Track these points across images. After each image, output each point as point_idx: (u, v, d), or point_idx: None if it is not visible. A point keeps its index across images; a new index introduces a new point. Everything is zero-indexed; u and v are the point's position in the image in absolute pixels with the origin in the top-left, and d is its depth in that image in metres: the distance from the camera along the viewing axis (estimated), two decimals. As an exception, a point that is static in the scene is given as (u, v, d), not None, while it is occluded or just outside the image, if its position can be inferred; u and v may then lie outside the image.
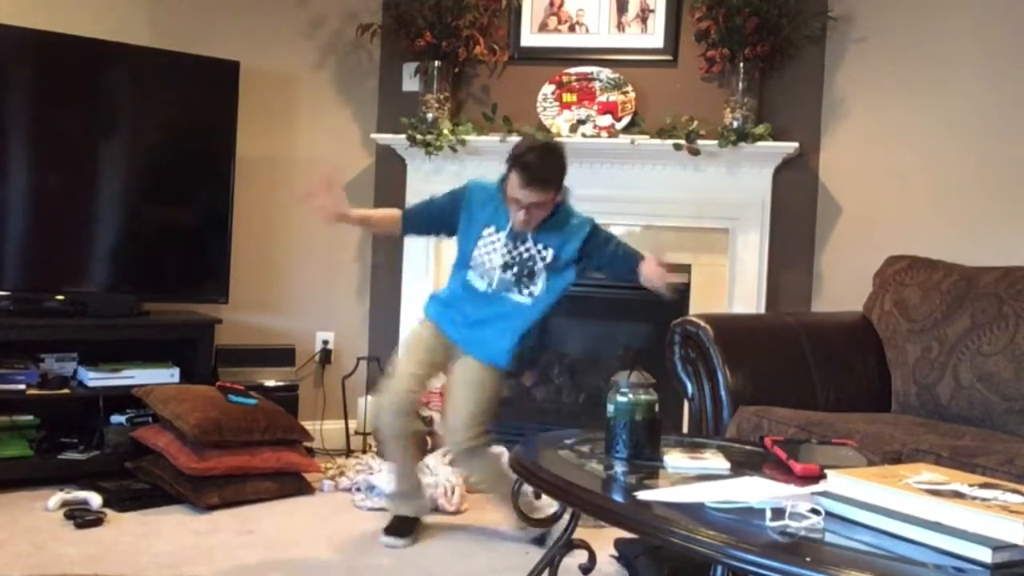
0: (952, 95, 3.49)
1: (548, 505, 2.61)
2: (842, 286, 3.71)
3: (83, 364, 3.45)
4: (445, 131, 3.92)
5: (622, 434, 1.98)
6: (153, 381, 3.44)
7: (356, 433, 4.08)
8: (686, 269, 3.91)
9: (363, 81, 4.25)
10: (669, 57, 3.93)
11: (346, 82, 4.22)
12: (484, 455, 2.89)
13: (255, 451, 3.24)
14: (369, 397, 4.12)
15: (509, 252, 2.80)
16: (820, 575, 1.30)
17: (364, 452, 3.94)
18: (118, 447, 3.36)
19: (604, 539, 2.59)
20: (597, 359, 4.22)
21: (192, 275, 3.75)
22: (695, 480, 1.83)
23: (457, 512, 3.21)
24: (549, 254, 2.82)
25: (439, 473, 3.35)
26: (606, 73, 3.92)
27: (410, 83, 4.15)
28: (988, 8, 3.40)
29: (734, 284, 3.81)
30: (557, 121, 3.91)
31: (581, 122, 3.88)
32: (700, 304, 3.79)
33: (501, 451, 3.28)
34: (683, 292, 3.90)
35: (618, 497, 1.77)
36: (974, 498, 1.45)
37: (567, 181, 2.78)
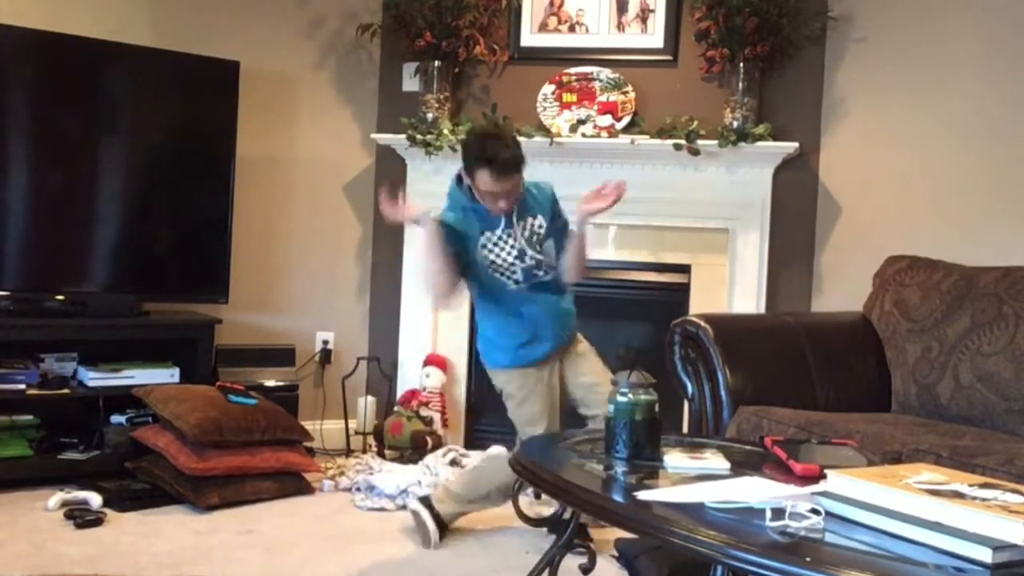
0: (952, 95, 3.49)
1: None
2: (842, 286, 3.71)
3: (83, 364, 3.45)
4: (445, 131, 3.92)
5: (622, 434, 1.98)
6: (153, 381, 3.44)
7: (356, 433, 4.08)
8: (686, 269, 3.91)
9: (363, 81, 4.25)
10: (669, 57, 3.93)
11: (346, 82, 4.22)
12: None
13: (255, 451, 3.24)
14: (369, 397, 4.12)
15: (513, 242, 2.78)
16: (820, 575, 1.30)
17: (364, 452, 3.94)
18: (118, 447, 3.36)
19: (604, 539, 2.59)
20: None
21: (192, 275, 3.75)
22: (695, 480, 1.83)
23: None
24: (540, 220, 2.81)
25: (439, 473, 3.35)
26: (606, 73, 3.92)
27: (410, 83, 4.15)
28: (988, 8, 3.40)
29: (734, 284, 3.81)
30: (557, 121, 3.91)
31: (581, 122, 3.88)
32: (700, 304, 3.79)
33: (501, 451, 3.28)
34: (684, 292, 3.91)
35: (618, 497, 1.77)
36: (974, 498, 1.45)
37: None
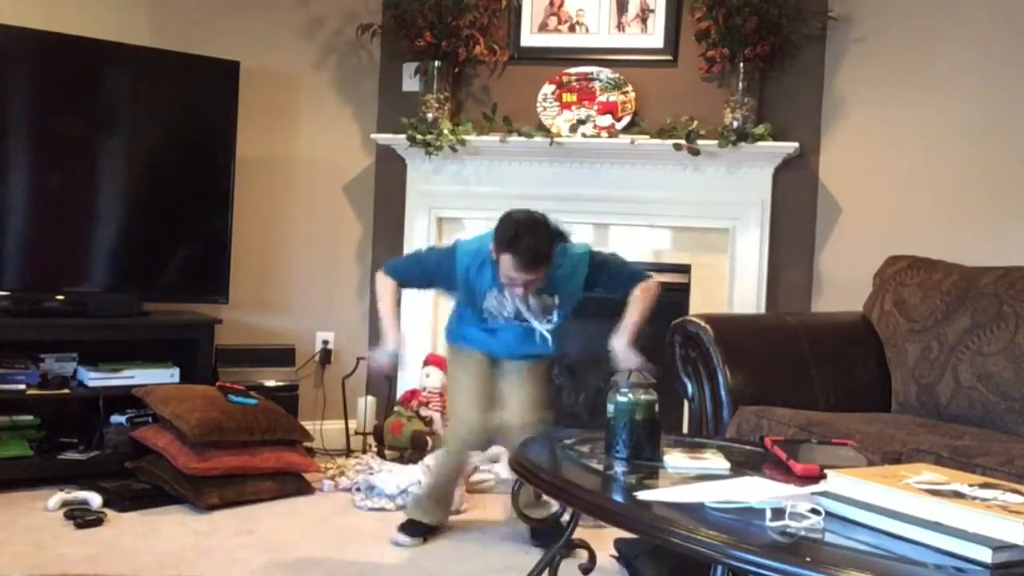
0: (952, 95, 3.49)
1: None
2: (842, 286, 3.71)
3: (83, 364, 3.45)
4: (445, 131, 3.92)
5: (622, 434, 1.98)
6: (153, 381, 3.44)
7: (356, 433, 4.08)
8: (686, 269, 3.91)
9: (363, 81, 4.25)
10: (669, 57, 3.93)
11: (346, 82, 4.22)
12: None
13: (255, 451, 3.24)
14: (369, 397, 4.12)
15: (517, 306, 2.84)
16: (820, 575, 1.30)
17: (364, 452, 3.94)
18: (118, 447, 3.36)
19: (604, 539, 2.59)
20: (597, 359, 4.21)
21: (192, 275, 3.75)
22: (695, 480, 1.83)
23: (457, 512, 3.21)
24: (555, 299, 2.86)
25: (439, 473, 3.35)
26: (606, 73, 3.92)
27: (410, 83, 4.15)
28: (988, 8, 3.40)
29: (734, 284, 3.81)
30: (557, 121, 3.91)
31: (581, 122, 3.88)
32: (700, 304, 3.79)
33: (501, 451, 3.28)
34: (684, 292, 3.90)
35: (618, 497, 1.77)
36: (974, 498, 1.45)
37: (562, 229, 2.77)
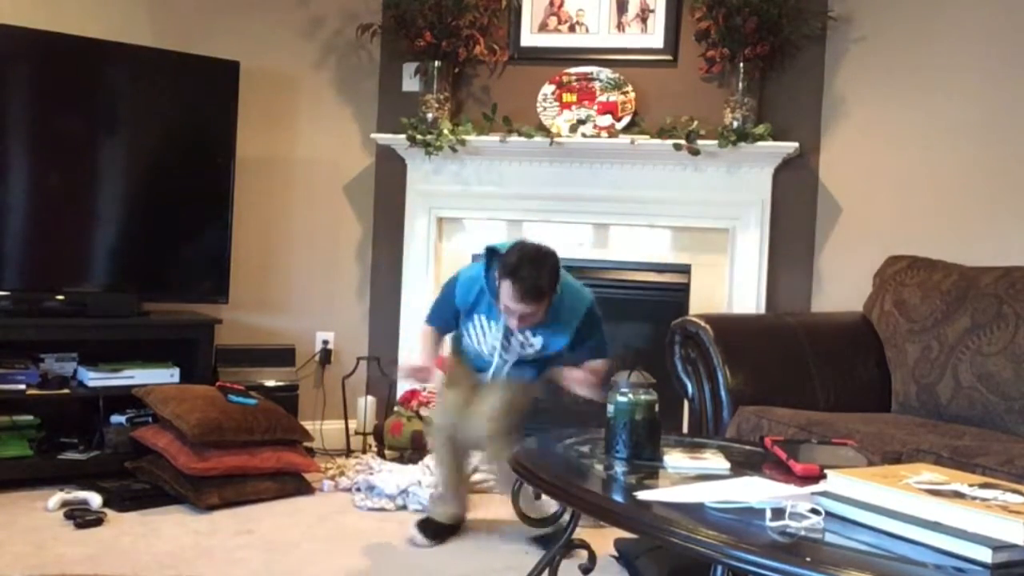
0: (952, 95, 3.49)
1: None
2: (842, 286, 3.71)
3: (83, 364, 3.45)
4: (445, 131, 3.92)
5: (622, 434, 1.98)
6: (153, 381, 3.44)
7: (356, 433, 4.08)
8: (686, 269, 3.91)
9: (363, 81, 4.25)
10: (669, 57, 3.93)
11: (346, 82, 4.22)
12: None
13: (255, 451, 3.24)
14: (369, 397, 4.12)
15: (500, 338, 2.84)
16: (820, 575, 1.30)
17: (364, 452, 3.94)
18: (118, 447, 3.36)
19: (604, 539, 2.59)
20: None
21: (192, 275, 3.75)
22: (695, 480, 1.83)
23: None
24: (539, 342, 2.83)
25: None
26: (606, 73, 3.92)
27: (410, 83, 4.15)
28: (988, 8, 3.40)
29: (734, 284, 3.80)
30: (557, 121, 3.91)
31: (581, 122, 3.88)
32: (700, 304, 3.79)
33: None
34: (684, 292, 3.90)
35: (618, 497, 1.77)
36: (974, 498, 1.45)
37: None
